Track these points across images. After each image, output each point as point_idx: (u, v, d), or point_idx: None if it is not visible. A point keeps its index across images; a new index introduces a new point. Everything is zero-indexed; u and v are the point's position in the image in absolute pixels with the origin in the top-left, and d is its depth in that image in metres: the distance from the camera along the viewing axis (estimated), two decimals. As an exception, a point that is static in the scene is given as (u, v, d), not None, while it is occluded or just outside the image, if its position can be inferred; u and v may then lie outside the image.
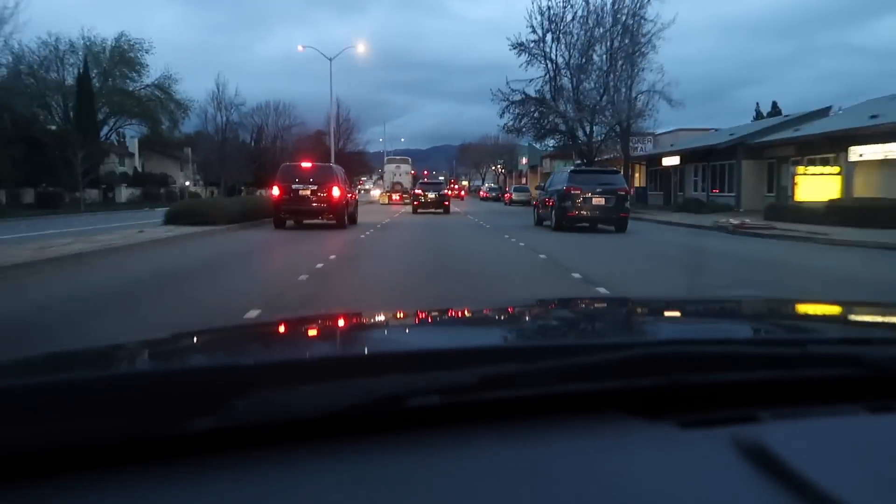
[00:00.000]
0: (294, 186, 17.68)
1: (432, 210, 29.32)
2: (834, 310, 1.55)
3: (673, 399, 0.76)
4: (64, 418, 0.64)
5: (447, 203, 30.07)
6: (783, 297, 3.66)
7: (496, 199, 58.22)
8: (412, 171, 51.47)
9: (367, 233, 16.85)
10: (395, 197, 45.30)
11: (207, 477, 0.61)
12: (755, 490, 0.58)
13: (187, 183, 62.89)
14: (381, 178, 55.25)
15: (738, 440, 0.65)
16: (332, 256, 10.72)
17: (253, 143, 56.11)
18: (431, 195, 29.87)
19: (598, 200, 16.73)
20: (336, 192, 17.71)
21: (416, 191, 30.90)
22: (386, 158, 54.47)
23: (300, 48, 39.07)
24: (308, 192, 17.66)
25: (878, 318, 1.44)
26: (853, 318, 1.43)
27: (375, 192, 60.92)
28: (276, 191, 17.97)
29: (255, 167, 48.87)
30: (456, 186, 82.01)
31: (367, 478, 0.61)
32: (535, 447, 0.67)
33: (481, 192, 69.92)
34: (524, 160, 72.41)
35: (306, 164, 18.63)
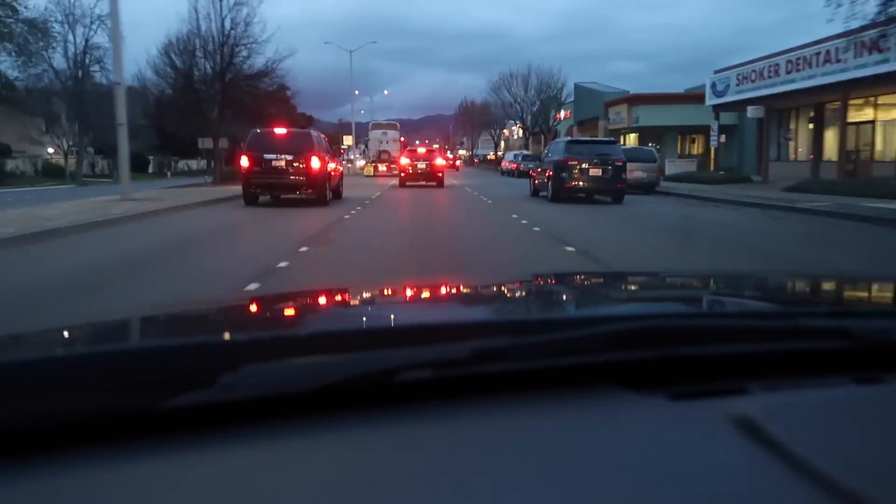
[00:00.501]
0: (266, 156, 15.26)
1: (423, 182, 25.66)
2: (824, 283, 1.60)
3: (665, 372, 0.77)
4: (47, 395, 0.64)
5: (440, 175, 26.10)
6: (774, 271, 3.57)
7: (526, 175, 30.26)
8: (401, 138, 46.51)
9: (354, 211, 14.55)
10: (382, 168, 40.83)
11: (198, 452, 0.61)
12: (744, 460, 0.59)
13: (50, 151, 48.37)
14: (366, 146, 49.88)
15: (728, 411, 0.66)
16: (303, 248, 8.44)
17: (174, 90, 32.28)
18: (422, 165, 25.86)
19: (595, 171, 16.64)
20: (315, 162, 15.32)
21: (403, 160, 26.69)
22: (371, 124, 49.12)
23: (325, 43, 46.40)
24: (283, 164, 15.27)
25: (868, 291, 1.45)
26: (843, 290, 1.47)
27: (361, 163, 55.43)
28: (245, 161, 15.55)
29: (187, 125, 30.72)
30: (449, 156, 75.55)
31: (360, 452, 0.62)
32: (527, 421, 0.67)
33: (505, 164, 49.01)
34: (563, 114, 56.92)
35: (280, 131, 16.10)
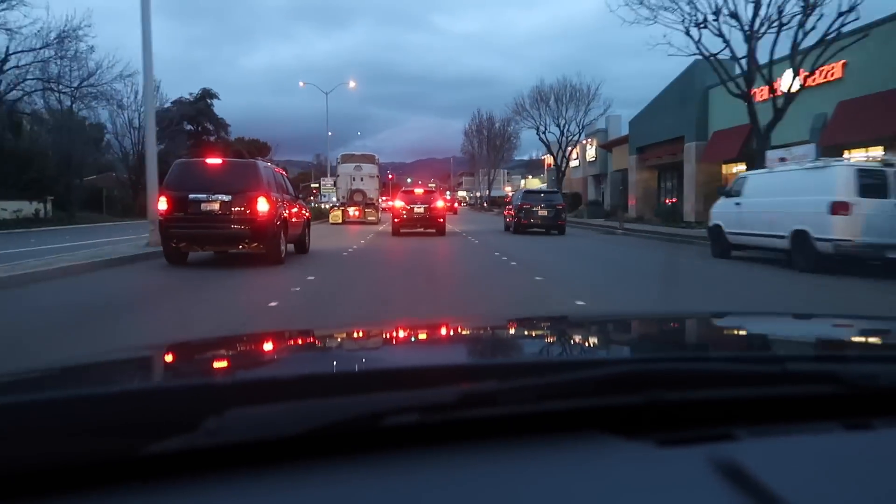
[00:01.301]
0: (193, 197, 10.74)
1: (420, 229, 21.56)
2: (811, 326, 1.57)
3: (652, 416, 0.76)
4: (21, 440, 0.63)
5: (441, 220, 21.68)
6: (760, 313, 3.39)
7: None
8: (378, 175, 34.07)
9: (313, 277, 10.04)
10: (354, 212, 30.46)
11: (182, 498, 0.60)
12: None
13: None
14: (335, 184, 35.87)
15: (715, 458, 0.65)
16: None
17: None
18: (419, 209, 21.44)
19: (543, 212, 23.11)
20: (263, 205, 10.82)
21: (397, 203, 22.17)
22: (340, 156, 34.37)
23: (301, 84, 45.29)
24: (216, 207, 10.74)
25: (855, 335, 1.45)
26: (830, 334, 1.45)
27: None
28: (162, 204, 10.94)
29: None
30: (447, 197, 68.52)
31: (345, 497, 0.61)
32: (513, 466, 0.67)
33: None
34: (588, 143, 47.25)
35: (214, 161, 11.44)
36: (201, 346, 1.32)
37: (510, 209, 25.67)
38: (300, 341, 1.35)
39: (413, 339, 1.39)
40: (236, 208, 10.75)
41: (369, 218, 30.74)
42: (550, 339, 1.42)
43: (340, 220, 30.90)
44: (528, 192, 25.26)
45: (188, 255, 11.50)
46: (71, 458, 0.62)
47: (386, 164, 45.21)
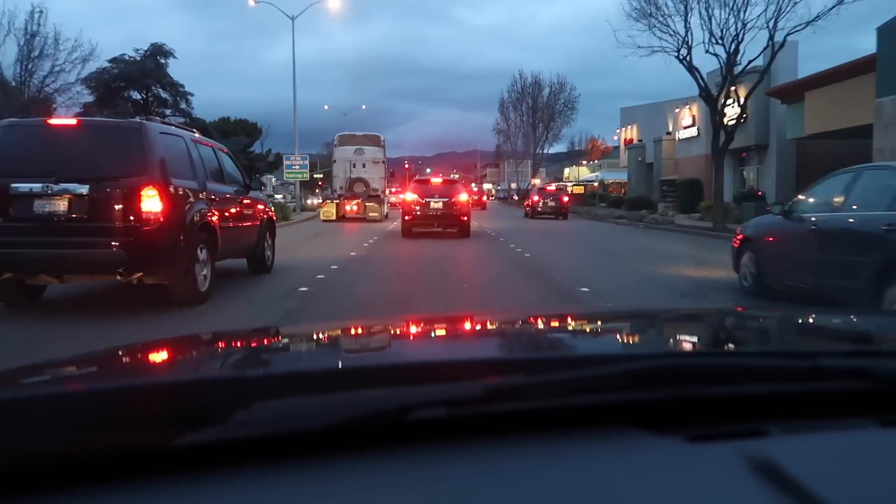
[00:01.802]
0: (18, 188, 5.75)
1: (437, 228, 16.85)
2: (843, 321, 1.54)
3: (681, 412, 0.75)
4: (61, 430, 0.64)
5: (464, 219, 16.69)
6: (791, 308, 3.48)
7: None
8: (384, 160, 26.39)
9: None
10: (352, 207, 24.33)
11: (209, 490, 0.60)
12: None
13: None
14: (330, 174, 28.66)
15: (747, 454, 0.64)
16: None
17: None
18: (437, 204, 16.50)
19: (551, 202, 30.42)
20: (151, 203, 5.84)
21: (408, 197, 17.28)
22: (337, 138, 26.72)
23: (252, 3, 29.59)
24: (62, 206, 5.79)
25: (889, 330, 1.42)
26: (863, 329, 1.42)
27: (318, 200, 39.45)
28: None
29: None
30: (475, 190, 59.16)
31: (371, 491, 0.61)
32: (541, 461, 0.66)
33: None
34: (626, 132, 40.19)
35: (61, 124, 6.35)
36: (231, 339, 1.33)
37: (525, 201, 34.41)
38: (328, 335, 1.36)
39: (440, 333, 1.41)
40: (101, 208, 5.83)
41: (371, 214, 24.42)
42: (578, 334, 1.40)
43: (334, 217, 24.45)
44: (540, 189, 34.17)
45: (43, 291, 6.68)
46: (102, 449, 0.63)
47: (405, 158, 38.01)
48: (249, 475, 0.62)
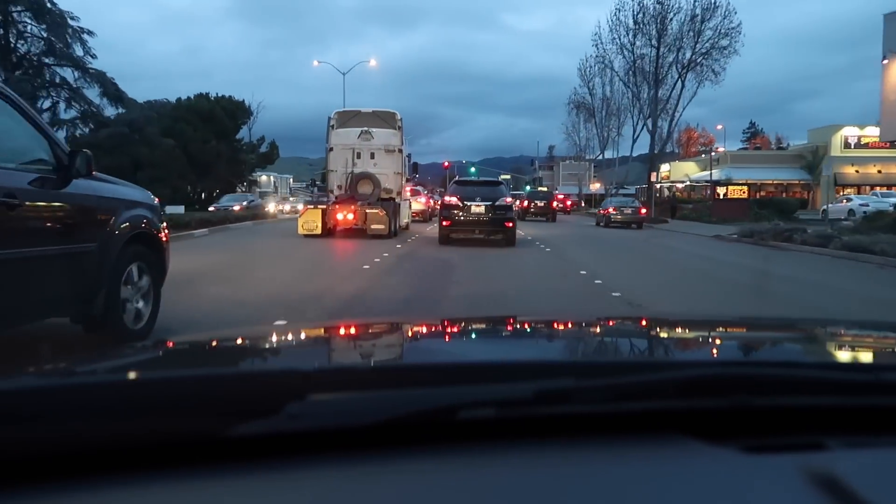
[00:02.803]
0: None
1: (479, 235, 15.31)
2: None
3: (735, 422, 0.73)
4: (118, 419, 0.65)
5: (510, 224, 15.30)
6: (851, 320, 3.35)
7: None
8: (401, 147, 18.62)
9: None
10: (346, 216, 17.25)
11: (262, 481, 0.61)
12: None
13: None
14: (326, 165, 19.92)
15: (807, 468, 0.63)
16: None
17: None
18: (479, 207, 15.08)
19: (627, 210, 26.92)
20: None
21: (449, 198, 15.57)
22: (335, 115, 18.64)
23: (315, 63, 29.55)
24: None
25: None
26: None
27: (299, 205, 25.70)
28: None
29: None
30: (560, 196, 47.15)
31: (419, 488, 0.61)
32: (590, 465, 0.65)
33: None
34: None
35: None
36: (287, 332, 1.34)
37: (602, 210, 29.10)
38: (382, 332, 1.34)
39: (490, 334, 1.39)
40: None
41: (374, 226, 16.63)
42: (630, 339, 1.40)
43: (319, 229, 16.73)
44: (612, 197, 34.46)
45: None
46: (157, 438, 0.64)
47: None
48: (299, 467, 0.62)
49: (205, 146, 32.57)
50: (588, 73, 44.65)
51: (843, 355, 1.23)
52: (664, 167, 54.18)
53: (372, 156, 18.06)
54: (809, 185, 46.82)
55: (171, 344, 1.11)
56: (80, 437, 0.63)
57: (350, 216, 17.19)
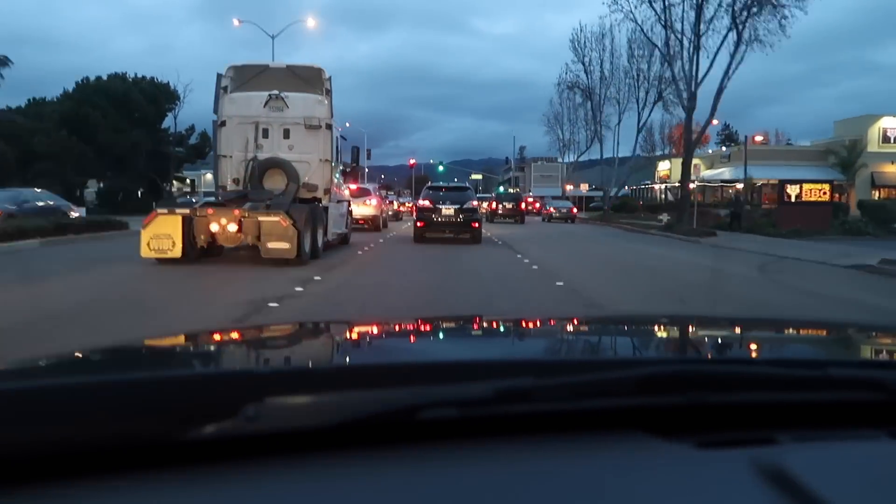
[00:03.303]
0: None
1: (449, 233, 17.12)
2: (855, 333, 1.52)
3: (690, 418, 0.75)
4: (74, 422, 0.64)
5: (476, 224, 17.35)
6: (802, 319, 3.38)
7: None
8: (330, 121, 12.05)
9: None
10: (220, 227, 10.20)
11: (218, 484, 0.61)
12: None
13: None
14: (215, 147, 12.26)
15: (758, 462, 0.64)
16: None
17: None
18: (448, 210, 16.98)
19: (563, 210, 37.05)
20: None
21: (423, 202, 17.52)
22: (229, 71, 11.80)
23: (236, 23, 27.35)
24: None
25: None
26: (875, 341, 1.40)
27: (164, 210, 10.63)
28: None
29: None
30: (531, 199, 47.50)
31: (380, 489, 0.60)
32: (549, 463, 0.66)
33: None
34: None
35: None
36: (242, 334, 1.31)
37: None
38: (339, 332, 1.34)
39: (449, 333, 1.39)
40: None
41: (271, 245, 10.06)
42: (589, 338, 1.41)
43: (179, 250, 10.13)
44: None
45: None
46: (113, 441, 0.63)
47: (420, 165, 26.38)
48: (258, 470, 0.62)
49: (117, 135, 26.62)
50: (582, 46, 37.07)
51: (793, 352, 1.29)
52: (663, 165, 47.07)
53: (286, 134, 11.81)
54: (842, 187, 37.12)
55: (127, 347, 1.07)
56: (34, 441, 0.62)
57: (232, 227, 10.27)
